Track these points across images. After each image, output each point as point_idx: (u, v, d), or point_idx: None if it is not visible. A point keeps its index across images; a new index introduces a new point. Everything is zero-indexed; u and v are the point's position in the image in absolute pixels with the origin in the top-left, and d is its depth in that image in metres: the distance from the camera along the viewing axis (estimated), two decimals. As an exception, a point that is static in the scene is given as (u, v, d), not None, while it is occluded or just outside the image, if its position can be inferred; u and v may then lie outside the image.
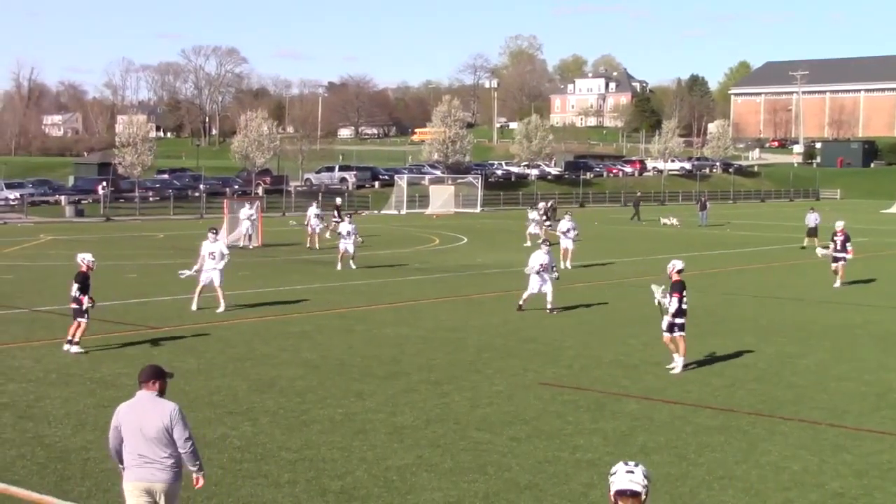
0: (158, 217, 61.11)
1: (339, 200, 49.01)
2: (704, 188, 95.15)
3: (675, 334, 16.97)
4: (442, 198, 72.07)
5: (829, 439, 12.83)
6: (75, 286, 17.63)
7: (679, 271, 17.16)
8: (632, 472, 5.62)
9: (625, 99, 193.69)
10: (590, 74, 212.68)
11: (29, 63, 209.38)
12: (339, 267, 31.70)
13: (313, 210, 40.67)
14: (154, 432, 7.67)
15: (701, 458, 11.90)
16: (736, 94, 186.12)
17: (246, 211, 40.48)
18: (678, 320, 16.91)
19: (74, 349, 17.48)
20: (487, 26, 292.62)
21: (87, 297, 17.53)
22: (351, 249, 31.86)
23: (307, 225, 40.71)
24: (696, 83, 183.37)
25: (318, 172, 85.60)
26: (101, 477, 10.80)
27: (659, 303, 17.13)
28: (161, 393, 7.87)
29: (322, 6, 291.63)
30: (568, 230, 34.50)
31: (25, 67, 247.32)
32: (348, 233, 31.90)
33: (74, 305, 17.67)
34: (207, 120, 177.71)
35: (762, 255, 40.64)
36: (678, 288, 16.99)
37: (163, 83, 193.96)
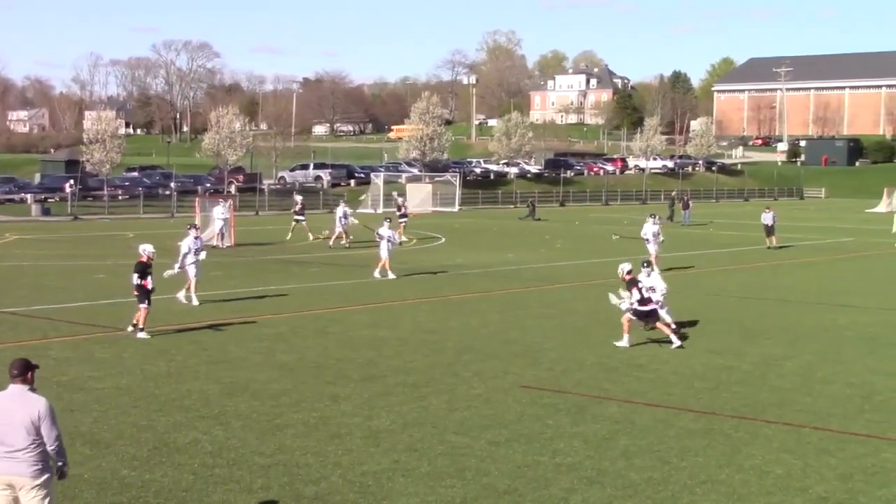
0: (128, 216, 60.03)
1: (401, 199, 48.49)
2: (687, 187, 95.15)
3: (662, 319, 19.10)
4: (419, 196, 71.62)
5: (814, 443, 12.72)
6: (136, 275, 18.93)
7: (629, 272, 19.22)
8: None
9: (606, 96, 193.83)
10: (570, 71, 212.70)
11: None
12: (378, 276, 29.24)
13: (342, 209, 41.06)
14: (20, 426, 7.76)
15: (683, 462, 11.76)
16: (719, 91, 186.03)
17: (219, 210, 40.19)
18: (652, 306, 18.88)
19: (141, 335, 18.77)
20: (465, 21, 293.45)
21: (149, 279, 18.86)
22: (388, 255, 29.47)
23: (341, 223, 40.40)
24: (678, 80, 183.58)
25: (292, 170, 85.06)
26: (66, 484, 10.40)
27: (617, 306, 19.18)
28: (31, 384, 7.99)
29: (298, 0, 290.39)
30: (656, 234, 33.13)
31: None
32: (388, 238, 29.48)
33: (137, 293, 18.96)
34: (178, 116, 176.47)
35: (746, 255, 40.55)
36: (633, 284, 18.95)
37: (132, 78, 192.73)
